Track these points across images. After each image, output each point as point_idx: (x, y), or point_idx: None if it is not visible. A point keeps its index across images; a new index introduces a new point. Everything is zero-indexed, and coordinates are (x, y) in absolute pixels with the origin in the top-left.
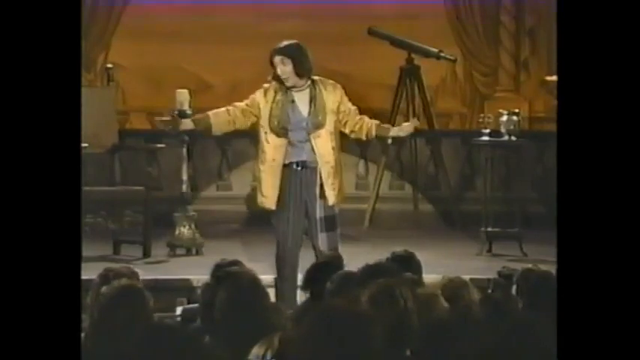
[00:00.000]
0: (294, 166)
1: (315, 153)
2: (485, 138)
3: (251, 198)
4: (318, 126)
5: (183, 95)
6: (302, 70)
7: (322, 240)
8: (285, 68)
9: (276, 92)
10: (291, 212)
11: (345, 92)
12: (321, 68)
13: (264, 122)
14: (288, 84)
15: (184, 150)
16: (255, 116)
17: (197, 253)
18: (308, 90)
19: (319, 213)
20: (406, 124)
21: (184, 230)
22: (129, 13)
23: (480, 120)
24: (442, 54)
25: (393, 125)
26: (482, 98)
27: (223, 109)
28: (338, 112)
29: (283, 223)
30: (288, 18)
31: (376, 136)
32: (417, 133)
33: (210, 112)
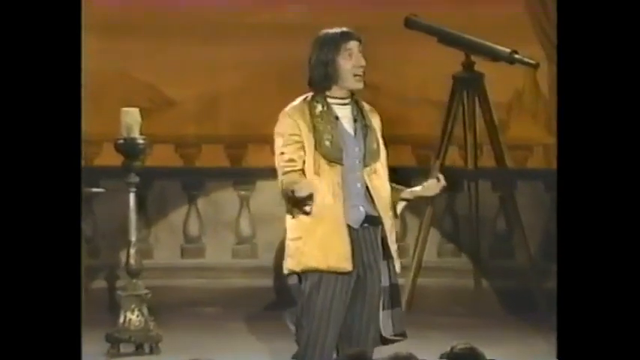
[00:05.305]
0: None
1: (372, 196)
2: None
3: (295, 256)
4: (374, 157)
5: (131, 116)
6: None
7: (386, 320)
8: (362, 59)
9: (312, 105)
10: (339, 283)
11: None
12: None
13: (308, 148)
14: (356, 86)
15: (132, 196)
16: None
17: (151, 352)
18: (350, 106)
19: (384, 281)
20: (430, 181)
21: (132, 317)
22: None
23: None
24: (517, 56)
25: (441, 175)
26: None
27: (296, 174)
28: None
29: (325, 299)
30: (288, 5)
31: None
32: (480, 172)
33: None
